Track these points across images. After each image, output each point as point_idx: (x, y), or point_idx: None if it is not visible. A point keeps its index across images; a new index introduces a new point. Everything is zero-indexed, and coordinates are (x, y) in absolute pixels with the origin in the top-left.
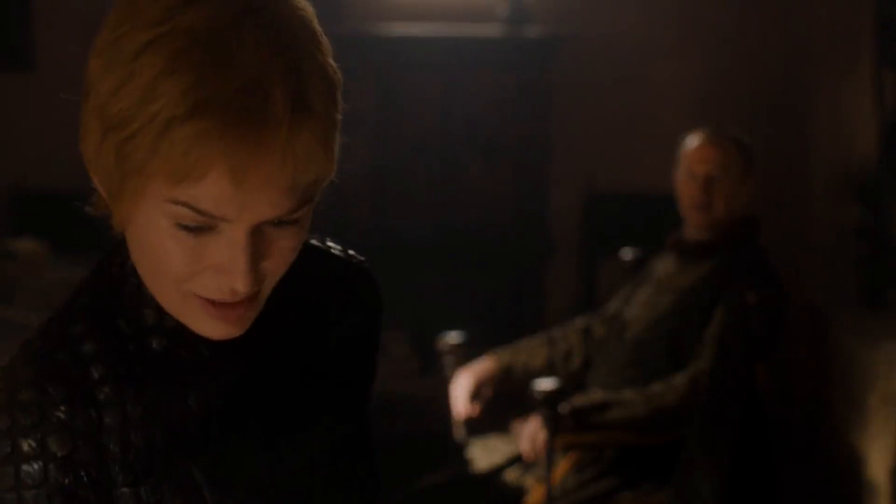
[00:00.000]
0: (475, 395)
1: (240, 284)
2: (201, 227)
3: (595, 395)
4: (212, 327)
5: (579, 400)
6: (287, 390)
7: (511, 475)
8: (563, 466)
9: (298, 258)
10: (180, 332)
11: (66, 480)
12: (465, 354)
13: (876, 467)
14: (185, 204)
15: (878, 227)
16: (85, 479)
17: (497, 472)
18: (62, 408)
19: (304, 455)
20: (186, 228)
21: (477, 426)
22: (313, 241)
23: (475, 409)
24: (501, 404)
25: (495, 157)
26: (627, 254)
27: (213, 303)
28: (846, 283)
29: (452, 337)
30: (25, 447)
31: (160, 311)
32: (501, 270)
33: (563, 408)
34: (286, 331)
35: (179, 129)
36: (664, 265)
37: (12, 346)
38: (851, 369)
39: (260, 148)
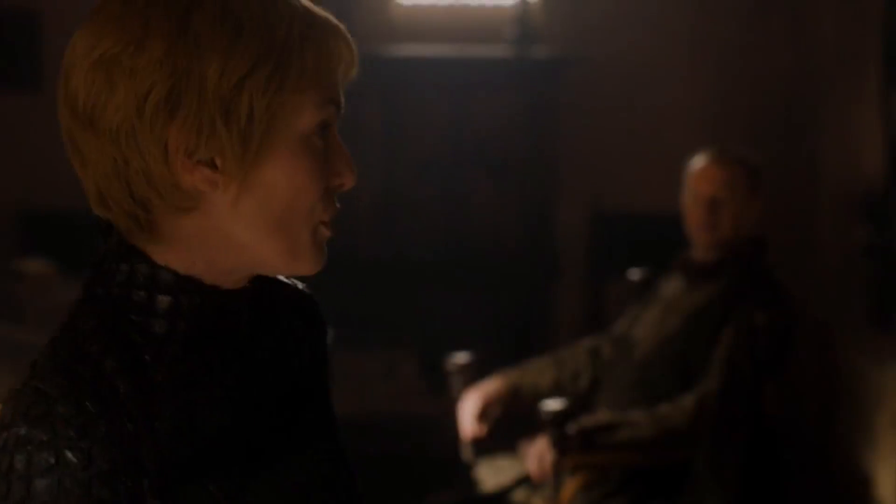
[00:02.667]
0: (483, 415)
1: (352, 175)
2: (331, 125)
3: (603, 415)
4: (320, 258)
5: (587, 420)
6: (279, 408)
7: (519, 495)
8: (570, 487)
9: (262, 282)
10: (193, 339)
11: (107, 493)
12: (473, 374)
13: (884, 487)
14: (332, 100)
15: (885, 247)
16: (123, 492)
17: (505, 492)
18: (102, 421)
19: (301, 471)
20: (322, 133)
21: (485, 446)
22: None
23: (483, 430)
24: (509, 424)
25: (503, 178)
26: (635, 274)
27: (328, 225)
28: (854, 302)
29: (460, 357)
30: (71, 458)
31: (171, 318)
32: (509, 291)
33: (571, 428)
34: (272, 349)
35: (312, 33)
36: (672, 286)
37: (22, 366)
38: (860, 389)
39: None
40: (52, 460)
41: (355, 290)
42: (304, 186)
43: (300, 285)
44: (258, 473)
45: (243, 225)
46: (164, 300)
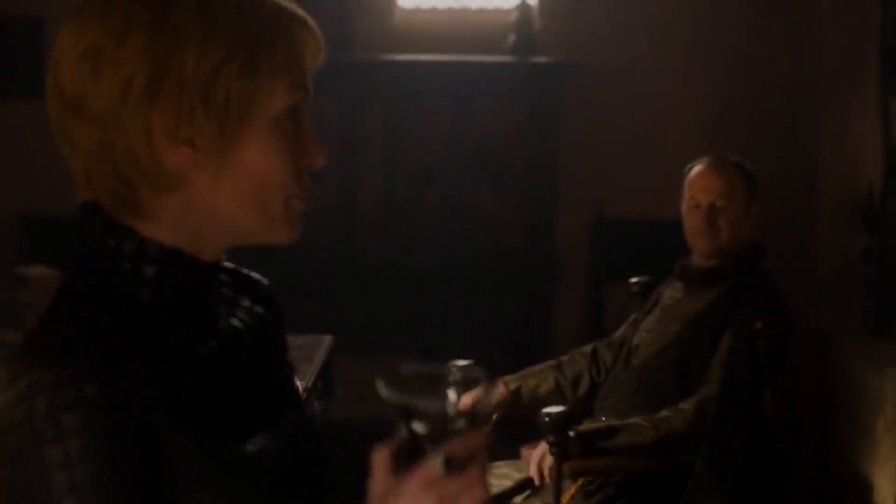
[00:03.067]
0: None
1: (321, 155)
2: (300, 109)
3: (603, 421)
4: (295, 228)
5: (587, 426)
6: (256, 375)
7: (520, 500)
8: (571, 492)
9: (224, 270)
10: (176, 307)
11: (125, 418)
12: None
13: (883, 493)
14: (302, 86)
15: (884, 253)
16: (137, 418)
17: (506, 497)
18: (111, 362)
19: (280, 436)
20: (293, 117)
21: (487, 452)
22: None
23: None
24: (511, 430)
25: (504, 184)
26: (634, 280)
27: (301, 198)
28: (853, 308)
29: (461, 363)
30: (90, 391)
31: (157, 287)
32: (510, 296)
33: (571, 433)
34: (245, 322)
35: (281, 24)
36: (671, 292)
37: None
38: (858, 395)
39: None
40: (74, 395)
41: (357, 296)
42: (277, 165)
43: (256, 275)
44: (241, 438)
45: (222, 199)
46: (149, 270)
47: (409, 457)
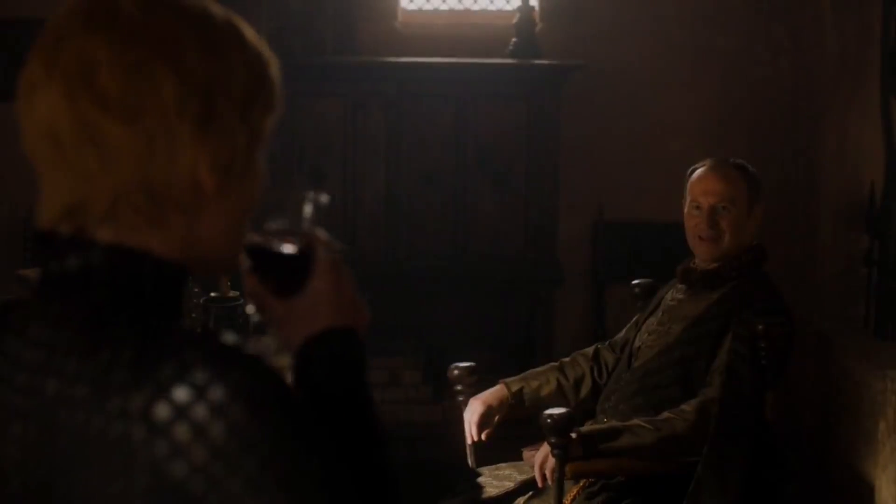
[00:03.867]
0: (485, 422)
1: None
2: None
3: (605, 422)
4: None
5: (589, 427)
6: None
7: (521, 502)
8: (572, 493)
9: None
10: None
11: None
12: (476, 382)
13: (885, 495)
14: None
15: (885, 256)
16: None
17: (508, 498)
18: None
19: None
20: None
21: (488, 453)
22: None
23: (486, 436)
24: (513, 431)
25: (505, 186)
26: (636, 282)
27: None
28: (854, 311)
29: (463, 364)
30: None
31: (179, 307)
32: (511, 298)
33: (573, 435)
34: None
35: (273, 68)
36: (673, 294)
37: None
38: (860, 397)
39: None
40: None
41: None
42: (259, 196)
43: None
44: None
45: (220, 227)
46: (171, 292)
47: (281, 279)
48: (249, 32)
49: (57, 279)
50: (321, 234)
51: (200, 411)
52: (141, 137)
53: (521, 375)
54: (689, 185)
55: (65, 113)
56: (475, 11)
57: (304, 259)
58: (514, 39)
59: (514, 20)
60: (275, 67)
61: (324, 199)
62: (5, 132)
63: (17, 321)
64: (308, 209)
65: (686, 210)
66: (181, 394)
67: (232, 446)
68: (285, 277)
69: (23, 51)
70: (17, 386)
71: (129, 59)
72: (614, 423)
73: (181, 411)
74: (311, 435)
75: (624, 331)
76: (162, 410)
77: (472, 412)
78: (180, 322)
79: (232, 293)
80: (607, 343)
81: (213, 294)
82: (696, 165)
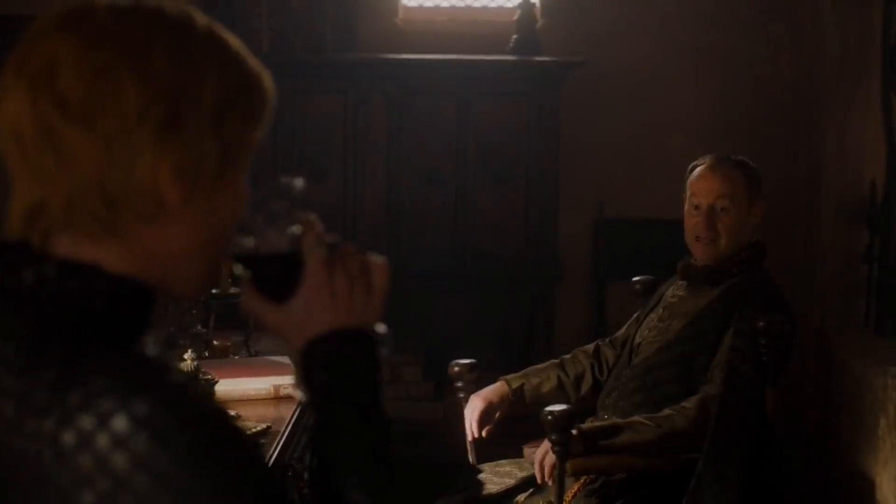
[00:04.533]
0: (486, 419)
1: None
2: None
3: (605, 419)
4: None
5: (590, 424)
6: None
7: (522, 499)
8: (573, 490)
9: None
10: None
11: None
12: (477, 379)
13: (885, 491)
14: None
15: (886, 252)
16: None
17: (509, 495)
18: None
19: None
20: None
21: (489, 450)
22: None
23: (486, 433)
24: (514, 428)
25: (506, 183)
26: (637, 279)
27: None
28: (855, 307)
29: (464, 362)
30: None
31: (135, 324)
32: (512, 296)
33: (574, 432)
34: None
35: (264, 81)
36: (673, 290)
37: None
38: (860, 394)
39: None
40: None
41: None
42: (235, 217)
43: None
44: None
45: (186, 242)
46: (124, 309)
47: (272, 283)
48: (234, 44)
49: (10, 292)
50: (311, 225)
51: (103, 441)
52: (99, 141)
53: (522, 372)
54: (688, 184)
55: (27, 115)
56: (476, 8)
57: (292, 259)
58: (514, 36)
59: (515, 17)
60: (265, 81)
61: (298, 183)
62: None
63: None
64: (285, 200)
65: (686, 208)
66: (86, 422)
67: (139, 478)
68: (275, 282)
69: (4, 50)
70: None
71: (92, 62)
72: (615, 419)
73: (85, 440)
74: (229, 464)
75: (624, 327)
76: (69, 437)
77: (473, 409)
78: (139, 342)
79: (233, 290)
80: (608, 340)
81: (213, 291)
82: (696, 162)
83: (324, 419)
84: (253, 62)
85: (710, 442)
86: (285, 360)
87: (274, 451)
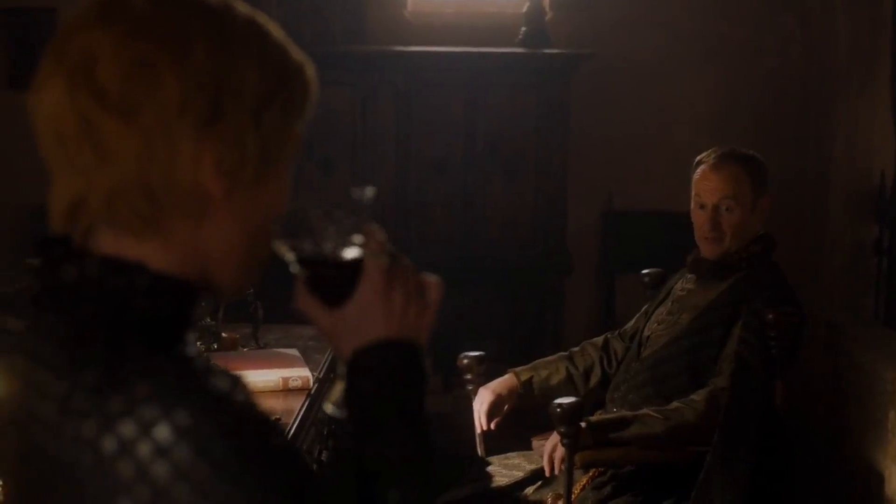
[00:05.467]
0: (495, 411)
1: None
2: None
3: (614, 412)
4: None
5: (598, 417)
6: None
7: (531, 491)
8: (582, 483)
9: None
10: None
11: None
12: (486, 371)
13: (894, 484)
14: (303, 133)
15: (895, 245)
16: None
17: (517, 488)
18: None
19: None
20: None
21: (498, 442)
22: None
23: (495, 425)
24: (523, 421)
25: (515, 176)
26: (646, 272)
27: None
28: (864, 300)
29: (473, 354)
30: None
31: (176, 322)
32: (521, 288)
33: (583, 424)
34: None
35: (307, 72)
36: (682, 283)
37: None
38: (869, 386)
39: None
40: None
41: None
42: (281, 209)
43: None
44: None
45: (228, 237)
46: (166, 307)
47: (329, 289)
48: (276, 33)
49: (52, 289)
50: (374, 235)
51: (144, 449)
52: (138, 135)
53: (531, 365)
54: (693, 180)
55: (66, 108)
56: (485, 0)
57: (352, 266)
58: (523, 28)
59: (524, 9)
60: (308, 71)
61: (369, 193)
62: (15, 121)
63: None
64: (354, 208)
65: (692, 206)
66: (128, 429)
67: (180, 489)
68: (332, 286)
69: (31, 40)
70: (9, 393)
71: (131, 54)
72: (624, 412)
73: (126, 447)
74: (269, 476)
75: (633, 320)
76: (109, 444)
77: (482, 401)
78: (182, 341)
79: None
80: (617, 332)
81: None
82: (701, 157)
83: (367, 427)
84: (295, 52)
85: (719, 435)
86: (294, 352)
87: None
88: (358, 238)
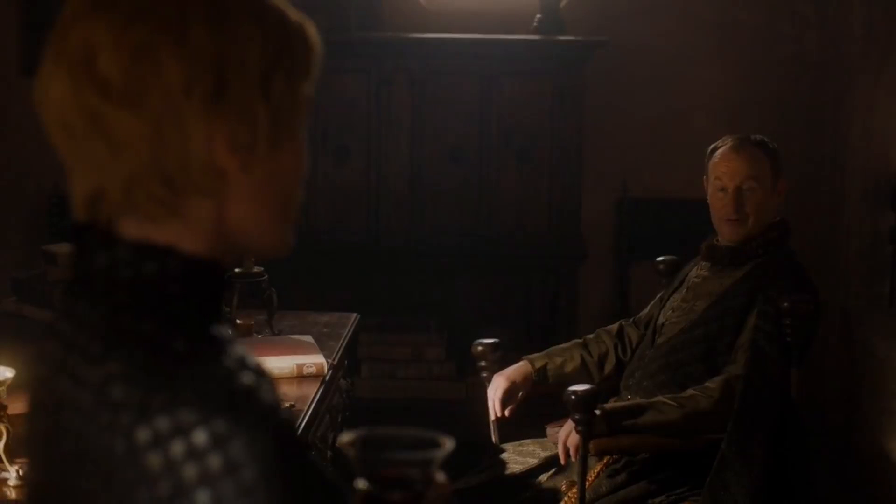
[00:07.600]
0: (509, 398)
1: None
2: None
3: (629, 399)
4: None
5: (613, 404)
6: None
7: (545, 478)
8: (596, 470)
9: None
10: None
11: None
12: (500, 359)
13: None
14: (312, 96)
15: None
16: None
17: (531, 475)
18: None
19: None
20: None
21: (512, 430)
22: None
23: (509, 413)
24: (537, 408)
25: (530, 163)
26: (660, 259)
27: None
28: (880, 287)
29: (487, 341)
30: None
31: (208, 304)
32: (536, 275)
33: (597, 412)
34: None
35: (307, 33)
36: (697, 270)
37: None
38: (885, 374)
39: None
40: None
41: (383, 275)
42: (301, 173)
43: None
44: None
45: (254, 206)
46: (198, 289)
47: None
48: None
49: (84, 275)
50: (439, 487)
51: (178, 447)
52: (148, 122)
53: (545, 352)
54: (711, 165)
55: (72, 104)
56: None
57: (416, 499)
58: (538, 15)
59: None
60: (309, 32)
61: (449, 446)
62: (30, 108)
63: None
64: (427, 455)
65: (710, 191)
66: (164, 424)
67: (201, 495)
68: None
69: (45, 27)
70: (40, 378)
71: (130, 42)
72: (638, 399)
73: (160, 440)
74: (302, 495)
75: (648, 307)
76: (143, 434)
77: (496, 388)
78: (215, 324)
79: (256, 269)
80: (631, 320)
81: (237, 269)
82: (717, 143)
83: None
84: (294, 15)
85: (734, 422)
86: (308, 338)
87: (297, 431)
88: (421, 486)
